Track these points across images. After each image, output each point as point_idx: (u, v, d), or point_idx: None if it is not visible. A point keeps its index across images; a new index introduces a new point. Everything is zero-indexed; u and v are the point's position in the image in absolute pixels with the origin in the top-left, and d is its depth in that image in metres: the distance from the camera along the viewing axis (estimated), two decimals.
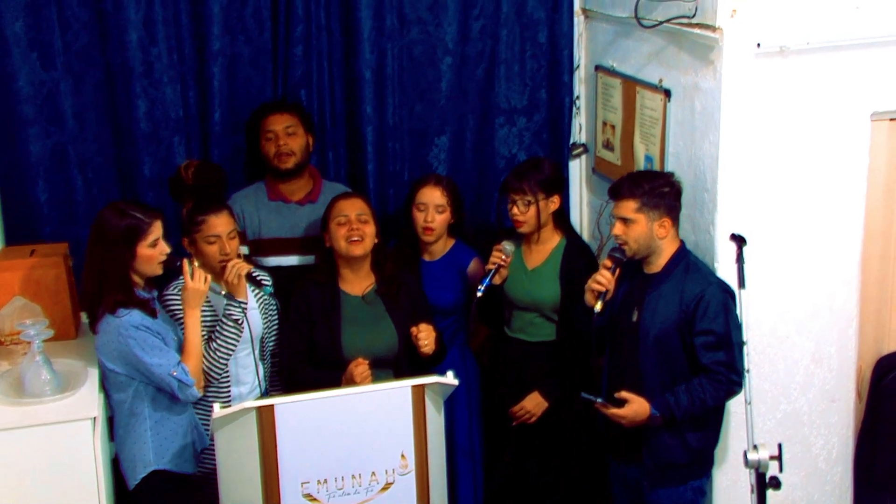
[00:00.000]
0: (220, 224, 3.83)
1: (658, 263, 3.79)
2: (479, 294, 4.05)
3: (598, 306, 3.79)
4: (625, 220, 3.74)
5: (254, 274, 3.89)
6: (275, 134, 4.30)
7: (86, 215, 4.36)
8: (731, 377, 3.65)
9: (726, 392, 3.70)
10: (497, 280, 4.11)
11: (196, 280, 3.64)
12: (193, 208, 3.90)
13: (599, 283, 3.78)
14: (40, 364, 3.60)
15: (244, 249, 4.05)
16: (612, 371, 3.94)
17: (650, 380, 3.76)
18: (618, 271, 3.81)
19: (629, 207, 3.73)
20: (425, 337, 3.88)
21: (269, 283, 3.96)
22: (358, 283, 4.03)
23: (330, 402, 3.43)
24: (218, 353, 3.81)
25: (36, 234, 4.33)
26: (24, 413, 3.51)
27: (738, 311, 3.67)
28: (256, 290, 3.95)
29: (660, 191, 3.73)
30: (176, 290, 3.80)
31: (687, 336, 3.70)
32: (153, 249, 3.57)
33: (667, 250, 3.78)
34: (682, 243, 3.83)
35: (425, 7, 4.61)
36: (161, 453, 3.65)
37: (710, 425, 3.83)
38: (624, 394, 3.72)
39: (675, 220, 3.79)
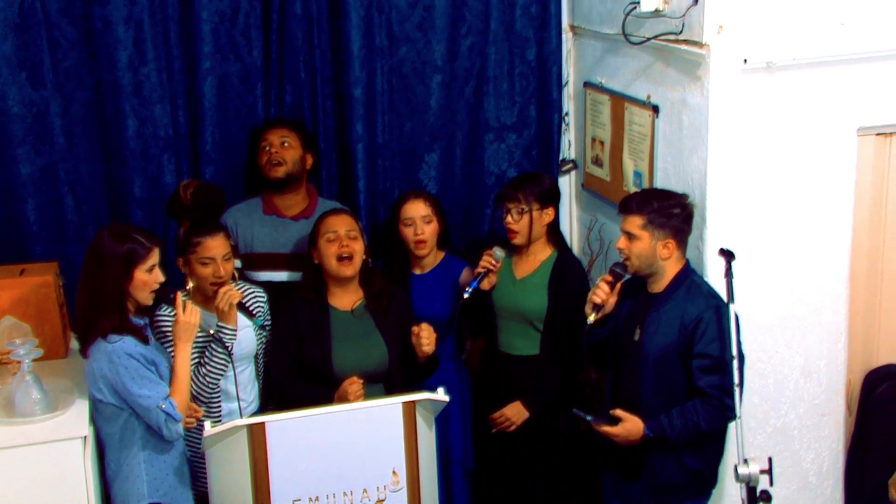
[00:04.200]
0: (215, 247, 3.82)
1: (661, 283, 3.77)
2: (465, 296, 4.07)
3: (592, 317, 3.79)
4: (629, 235, 3.73)
5: (246, 302, 3.89)
6: (269, 144, 4.32)
7: (76, 234, 4.37)
8: (726, 402, 3.59)
9: (721, 417, 3.65)
10: (485, 285, 4.12)
11: (188, 314, 3.59)
12: (190, 229, 3.88)
13: (597, 295, 3.79)
14: (30, 383, 3.59)
15: (237, 263, 4.05)
16: (614, 389, 3.92)
17: (649, 399, 3.74)
18: (618, 286, 3.82)
19: (635, 223, 3.72)
20: (427, 336, 3.87)
21: (261, 314, 3.96)
22: (347, 298, 4.03)
23: (321, 419, 3.42)
24: (207, 379, 3.81)
25: (26, 253, 4.32)
26: (14, 432, 3.51)
27: (732, 330, 3.66)
28: (250, 308, 3.95)
29: (669, 211, 3.71)
30: (169, 311, 3.76)
31: (686, 358, 3.68)
32: (149, 276, 3.52)
33: (670, 271, 3.76)
34: (687, 263, 3.81)
35: (414, 25, 4.62)
36: (156, 486, 3.59)
37: (709, 447, 3.80)
38: (618, 412, 3.71)
39: (681, 243, 3.76)
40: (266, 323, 4.02)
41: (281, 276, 4.32)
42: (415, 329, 3.89)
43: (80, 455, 3.52)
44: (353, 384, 3.79)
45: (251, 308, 3.96)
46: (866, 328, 4.31)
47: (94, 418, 3.61)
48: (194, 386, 3.78)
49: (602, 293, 3.79)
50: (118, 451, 3.57)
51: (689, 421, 3.64)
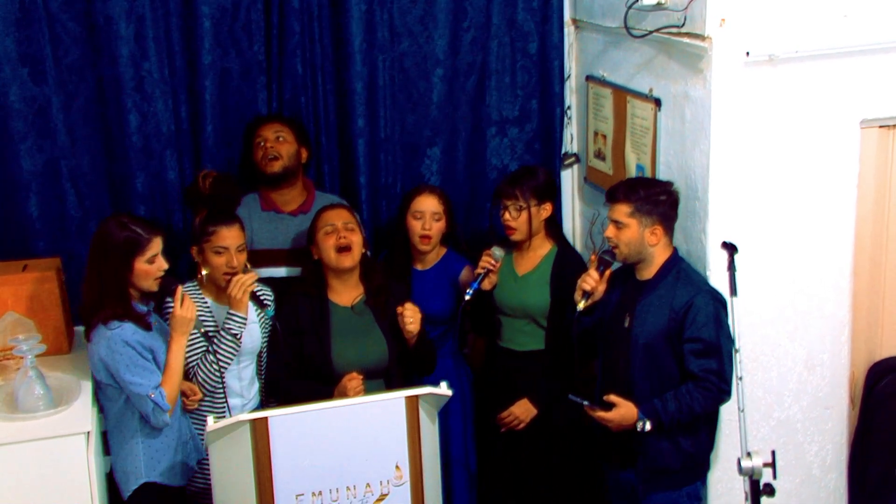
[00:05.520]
0: (230, 236, 3.84)
1: (650, 270, 3.82)
2: (467, 297, 4.07)
3: (581, 305, 3.84)
4: (617, 224, 3.78)
5: (258, 293, 3.90)
6: (264, 139, 4.32)
7: (78, 230, 4.37)
8: (719, 385, 3.67)
9: (714, 400, 3.72)
10: (486, 285, 4.12)
11: (184, 308, 3.62)
12: (206, 218, 3.90)
13: (587, 282, 3.82)
14: (33, 379, 3.60)
15: None
16: (604, 376, 3.96)
17: (639, 386, 3.78)
18: (607, 273, 3.85)
19: (622, 211, 3.76)
20: (411, 314, 3.88)
21: (272, 306, 3.97)
22: (347, 293, 4.03)
23: (324, 414, 3.43)
24: (215, 367, 3.82)
25: (28, 249, 4.32)
26: (18, 428, 3.52)
27: (729, 319, 3.68)
28: (258, 308, 3.96)
29: (655, 198, 3.77)
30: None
31: (676, 343, 3.72)
32: (150, 265, 3.58)
33: (658, 258, 3.80)
34: (675, 251, 3.86)
35: (416, 19, 4.62)
36: (152, 465, 3.65)
37: (703, 430, 3.85)
38: (612, 397, 3.74)
39: (669, 229, 3.82)
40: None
41: (280, 271, 4.31)
42: (398, 309, 3.89)
43: (83, 450, 3.53)
44: (353, 380, 3.81)
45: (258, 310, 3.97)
46: (870, 321, 4.31)
47: (98, 397, 3.69)
48: (201, 374, 3.81)
49: (592, 280, 3.83)
50: (119, 429, 3.66)
51: (682, 404, 3.68)
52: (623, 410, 3.72)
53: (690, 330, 3.68)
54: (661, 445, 3.79)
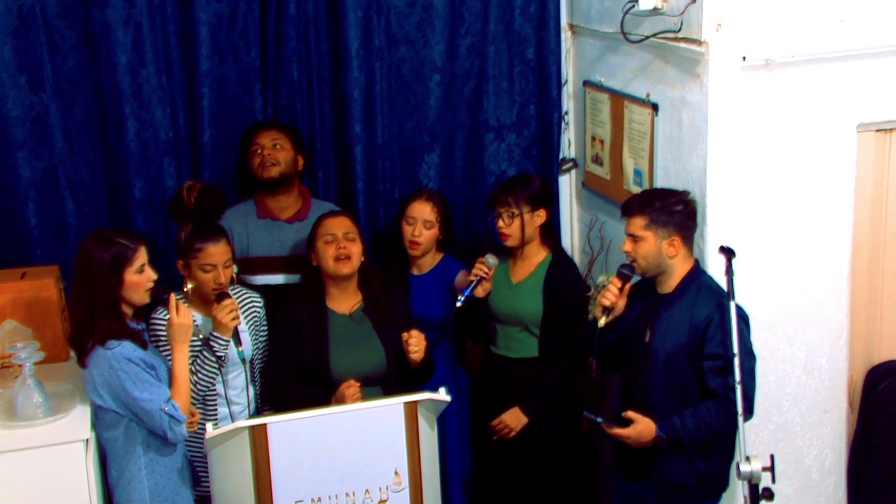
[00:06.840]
0: (217, 253, 3.82)
1: (670, 283, 3.74)
2: (458, 304, 4.07)
3: (602, 321, 3.77)
4: (633, 237, 3.71)
5: (242, 309, 3.91)
6: (261, 147, 4.32)
7: (77, 237, 4.35)
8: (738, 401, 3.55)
9: (735, 418, 3.58)
10: (479, 292, 4.12)
11: (181, 315, 3.56)
12: (193, 234, 3.86)
13: (607, 298, 3.76)
14: (32, 387, 3.59)
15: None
16: (624, 390, 3.90)
17: (658, 400, 3.71)
18: (627, 287, 3.78)
19: (638, 224, 3.69)
20: (416, 343, 3.88)
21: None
22: (345, 301, 4.04)
23: (323, 420, 3.43)
24: (198, 387, 3.80)
25: (27, 256, 4.32)
26: (16, 436, 3.51)
27: (733, 329, 3.60)
28: (246, 313, 3.95)
29: (670, 209, 3.69)
30: (163, 314, 3.75)
31: (696, 359, 3.65)
32: (140, 275, 3.49)
33: (679, 270, 3.73)
34: (697, 263, 3.79)
35: (413, 25, 4.62)
36: (157, 491, 3.58)
37: (719, 448, 3.76)
38: (630, 414, 3.68)
39: (687, 240, 3.74)
40: (262, 333, 4.04)
41: (277, 278, 4.32)
42: (404, 336, 3.89)
43: (82, 458, 3.52)
44: (351, 387, 3.80)
45: (248, 317, 3.96)
46: (868, 325, 4.31)
47: (95, 425, 3.60)
48: None
49: (611, 296, 3.75)
50: (119, 457, 3.56)
51: (702, 422, 3.61)
52: (640, 427, 3.66)
53: (710, 346, 3.60)
54: (675, 462, 3.71)
